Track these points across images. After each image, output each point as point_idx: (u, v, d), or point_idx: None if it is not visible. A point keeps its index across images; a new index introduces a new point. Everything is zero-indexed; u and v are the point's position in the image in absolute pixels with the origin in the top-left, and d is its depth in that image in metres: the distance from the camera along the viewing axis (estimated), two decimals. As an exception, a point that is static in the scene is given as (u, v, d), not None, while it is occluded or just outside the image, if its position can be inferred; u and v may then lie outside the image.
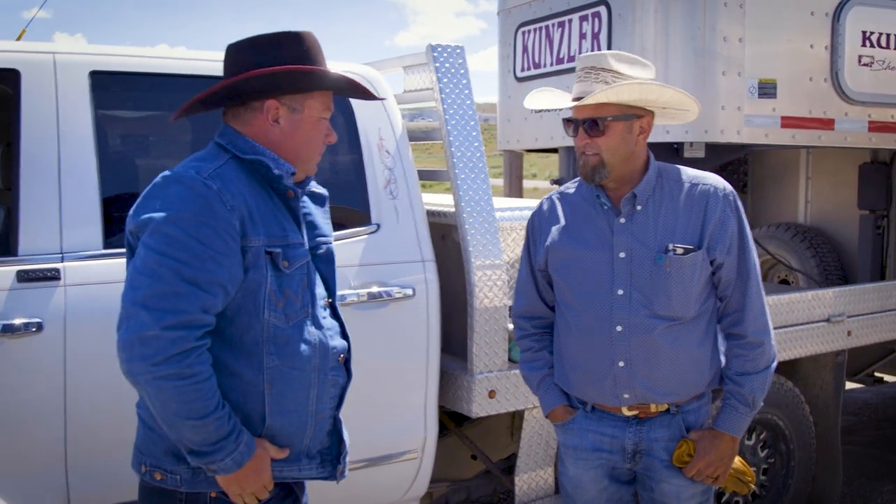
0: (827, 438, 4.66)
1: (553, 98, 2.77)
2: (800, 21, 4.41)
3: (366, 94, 2.41)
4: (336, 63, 3.50)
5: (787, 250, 5.73)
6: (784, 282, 5.89)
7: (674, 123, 2.79)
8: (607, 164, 2.54)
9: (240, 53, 2.16)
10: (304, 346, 2.17)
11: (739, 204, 2.65)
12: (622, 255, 2.58)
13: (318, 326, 2.22)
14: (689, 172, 2.66)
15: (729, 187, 2.65)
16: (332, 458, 2.31)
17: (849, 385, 5.82)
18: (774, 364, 2.69)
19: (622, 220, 2.59)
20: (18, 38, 6.67)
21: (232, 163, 2.13)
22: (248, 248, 2.08)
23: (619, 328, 2.58)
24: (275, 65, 2.10)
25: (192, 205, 2.01)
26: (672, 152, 4.46)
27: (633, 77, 2.53)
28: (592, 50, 4.55)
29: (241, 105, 2.17)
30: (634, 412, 2.65)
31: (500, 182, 9.58)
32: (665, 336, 2.58)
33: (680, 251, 2.54)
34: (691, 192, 2.61)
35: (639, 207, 2.59)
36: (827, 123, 4.53)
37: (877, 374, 5.90)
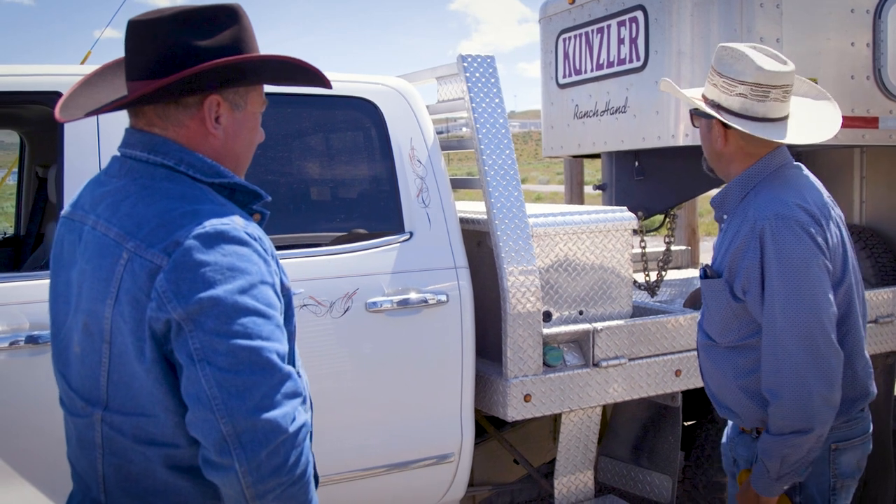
0: (878, 442, 4.55)
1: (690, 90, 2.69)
2: (839, 19, 4.35)
3: (316, 80, 1.83)
4: (371, 76, 3.58)
5: (842, 251, 5.62)
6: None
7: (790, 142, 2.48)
8: (705, 156, 2.64)
9: (167, 31, 1.65)
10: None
11: (770, 240, 2.33)
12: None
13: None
14: (765, 194, 2.44)
15: (764, 219, 2.35)
16: None
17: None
18: (791, 437, 2.34)
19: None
20: (84, 60, 6.89)
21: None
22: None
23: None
24: (215, 47, 1.65)
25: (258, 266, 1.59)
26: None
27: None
28: (630, 54, 4.56)
29: (170, 103, 1.68)
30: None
31: (562, 189, 9.49)
32: (707, 353, 2.65)
33: (710, 274, 2.55)
34: (745, 216, 2.44)
35: (724, 218, 2.61)
36: (870, 122, 4.45)
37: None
